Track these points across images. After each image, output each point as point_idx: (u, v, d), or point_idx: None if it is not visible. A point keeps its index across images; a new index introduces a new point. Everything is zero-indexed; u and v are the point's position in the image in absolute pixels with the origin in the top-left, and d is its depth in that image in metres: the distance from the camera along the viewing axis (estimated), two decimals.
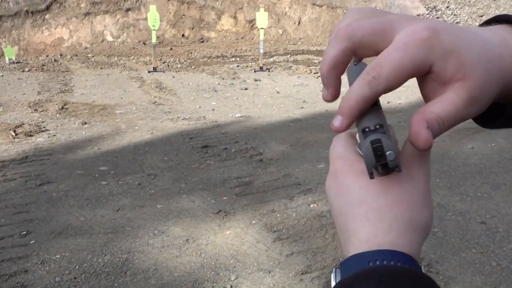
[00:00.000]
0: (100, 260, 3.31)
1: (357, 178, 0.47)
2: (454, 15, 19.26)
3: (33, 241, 3.57)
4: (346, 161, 0.48)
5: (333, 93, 0.50)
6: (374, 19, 0.43)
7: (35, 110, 7.84)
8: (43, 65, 13.25)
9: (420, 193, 0.46)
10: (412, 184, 0.46)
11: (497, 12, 18.49)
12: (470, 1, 19.57)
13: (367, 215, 0.45)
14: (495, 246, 3.45)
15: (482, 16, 18.84)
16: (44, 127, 6.77)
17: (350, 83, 0.53)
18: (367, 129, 0.45)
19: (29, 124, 6.82)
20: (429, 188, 0.48)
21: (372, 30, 0.42)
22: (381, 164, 0.44)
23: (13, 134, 6.32)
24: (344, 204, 0.46)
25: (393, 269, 0.41)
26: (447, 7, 19.71)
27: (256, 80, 10.75)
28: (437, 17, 19.39)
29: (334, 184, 0.48)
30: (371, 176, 0.44)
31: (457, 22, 18.90)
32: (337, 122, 0.45)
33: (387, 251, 0.43)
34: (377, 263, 0.42)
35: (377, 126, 0.45)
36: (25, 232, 3.70)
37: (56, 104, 8.13)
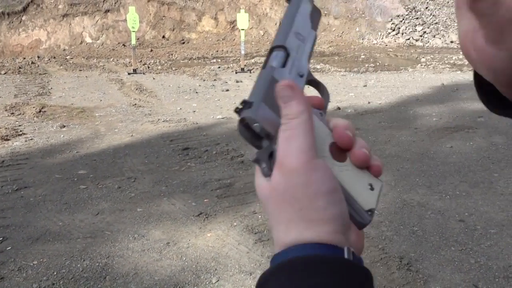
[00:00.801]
0: (79, 266, 3.25)
1: (258, 180, 0.52)
2: (433, 15, 19.53)
3: (10, 247, 3.49)
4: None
5: None
6: None
7: (12, 113, 7.69)
8: (20, 67, 13.01)
9: (303, 186, 0.46)
10: (291, 178, 0.47)
11: None
12: (448, 2, 19.86)
13: (271, 220, 0.50)
14: (473, 243, 3.49)
15: None
16: (21, 131, 6.64)
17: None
18: (237, 109, 0.49)
19: (6, 128, 6.68)
20: (318, 175, 0.47)
21: None
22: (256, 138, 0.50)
23: None
24: (260, 196, 0.52)
25: (304, 258, 0.44)
26: (426, 7, 19.97)
27: (237, 82, 10.74)
28: (416, 18, 19.66)
29: (256, 184, 0.53)
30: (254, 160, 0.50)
31: (436, 23, 19.18)
32: None
33: (298, 246, 0.46)
34: (289, 255, 0.45)
35: (243, 103, 0.49)
36: (1, 239, 3.62)
37: (34, 107, 7.99)
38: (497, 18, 0.38)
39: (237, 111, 0.49)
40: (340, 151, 0.52)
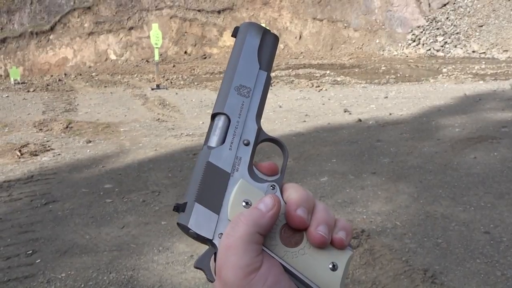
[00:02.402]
0: (105, 278, 3.33)
1: None
2: (454, 25, 19.37)
3: (39, 260, 3.60)
4: None
5: None
6: None
7: (40, 129, 7.92)
8: (47, 85, 13.40)
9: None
10: None
11: (497, 22, 18.60)
12: (469, 12, 19.68)
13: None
14: (499, 256, 3.45)
15: (482, 26, 18.93)
16: (49, 147, 6.83)
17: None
18: (174, 209, 0.49)
19: (34, 144, 6.89)
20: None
21: None
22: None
23: (19, 154, 6.38)
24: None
25: None
26: (447, 18, 19.83)
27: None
28: (437, 28, 19.52)
29: None
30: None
31: (457, 33, 19.01)
32: None
33: None
34: None
35: (177, 207, 0.49)
36: (30, 252, 3.73)
37: (61, 123, 8.22)
38: None
39: (175, 210, 0.48)
40: (294, 231, 0.48)
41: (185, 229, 0.48)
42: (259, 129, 0.52)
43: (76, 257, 3.64)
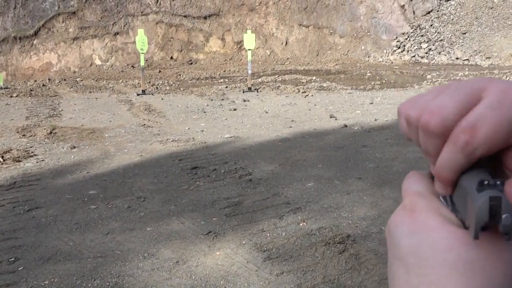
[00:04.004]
0: (89, 285, 3.29)
1: (445, 223, 0.39)
2: (438, 33, 19.65)
3: (22, 268, 3.54)
4: (431, 202, 0.41)
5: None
6: (459, 92, 0.38)
7: (23, 135, 7.82)
8: (31, 90, 13.25)
9: None
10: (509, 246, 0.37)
11: (479, 30, 18.90)
12: (453, 19, 20.00)
13: (456, 265, 0.37)
14: None
15: (465, 33, 19.25)
16: (32, 152, 6.75)
17: None
18: (485, 182, 0.38)
19: (17, 150, 6.79)
20: None
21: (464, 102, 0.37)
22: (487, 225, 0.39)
23: (1, 160, 6.29)
24: (423, 245, 0.38)
25: None
26: (431, 25, 20.12)
27: (244, 101, 10.84)
28: (422, 35, 19.78)
29: (410, 220, 0.40)
30: (476, 235, 0.37)
31: (441, 40, 19.28)
32: (440, 189, 0.41)
33: None
34: None
35: (498, 182, 0.39)
36: (13, 259, 3.67)
37: (45, 129, 8.12)
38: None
39: (486, 184, 0.38)
40: None
41: (501, 210, 0.37)
42: None
43: (59, 264, 3.59)
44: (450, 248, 0.37)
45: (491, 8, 19.54)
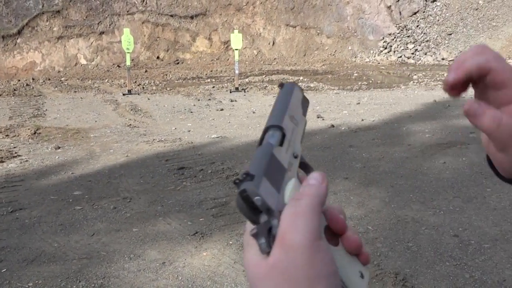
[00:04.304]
0: (74, 287, 3.24)
1: (251, 257, 0.47)
2: (424, 33, 19.83)
3: (5, 270, 3.48)
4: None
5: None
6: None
7: (7, 135, 7.70)
8: (14, 89, 13.06)
9: (306, 266, 0.43)
10: (294, 256, 0.43)
11: (465, 31, 19.12)
12: (438, 20, 20.19)
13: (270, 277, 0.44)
14: (467, 258, 3.52)
15: (450, 34, 19.45)
16: (16, 153, 6.64)
17: None
18: (236, 181, 0.47)
19: (0, 150, 6.68)
20: (321, 257, 0.44)
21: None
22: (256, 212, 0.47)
23: None
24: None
25: None
26: (417, 26, 20.29)
27: (232, 101, 10.82)
28: (408, 36, 19.93)
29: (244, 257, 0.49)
30: (253, 233, 0.45)
31: (427, 41, 19.45)
32: (450, 77, 0.58)
33: None
34: None
35: (244, 175, 0.47)
36: None
37: (29, 129, 8.01)
38: (499, 135, 0.54)
39: (237, 182, 0.47)
40: (333, 235, 0.50)
41: (250, 197, 0.46)
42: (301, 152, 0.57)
43: (44, 265, 3.54)
44: (262, 276, 0.44)
45: (476, 9, 19.78)
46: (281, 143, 0.53)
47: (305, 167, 0.58)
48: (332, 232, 0.50)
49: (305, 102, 0.63)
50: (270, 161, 0.50)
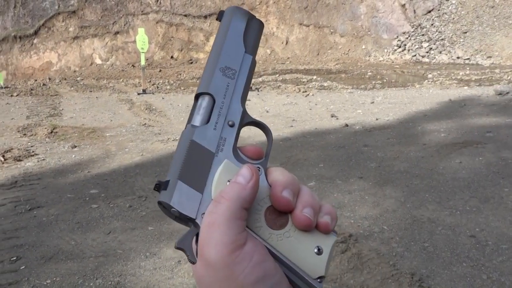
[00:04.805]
0: (91, 284, 3.28)
1: None
2: (439, 32, 19.63)
3: (23, 267, 3.53)
4: None
5: None
6: None
7: (24, 134, 7.81)
8: (31, 89, 13.24)
9: (226, 280, 0.43)
10: (212, 272, 0.43)
11: (480, 29, 18.89)
12: (454, 18, 19.97)
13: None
14: (485, 259, 3.48)
15: (466, 32, 19.23)
16: (33, 152, 6.74)
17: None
18: (155, 189, 0.48)
19: (18, 149, 6.78)
20: (241, 268, 0.43)
21: None
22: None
23: (2, 159, 6.28)
24: None
25: None
26: (432, 24, 20.09)
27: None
28: (422, 34, 19.76)
29: None
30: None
31: (442, 39, 19.26)
32: None
33: None
34: None
35: (158, 185, 0.47)
36: (15, 258, 3.66)
37: (45, 128, 8.11)
38: None
39: (156, 189, 0.47)
40: (279, 213, 0.47)
41: (167, 208, 0.46)
42: (244, 111, 0.51)
43: (61, 263, 3.58)
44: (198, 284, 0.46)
45: (492, 7, 19.52)
46: (208, 118, 0.49)
47: (256, 125, 0.53)
48: (279, 211, 0.47)
49: (251, 32, 0.54)
50: (189, 155, 0.47)
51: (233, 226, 0.43)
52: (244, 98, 0.52)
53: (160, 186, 0.46)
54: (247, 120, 0.51)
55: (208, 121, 0.49)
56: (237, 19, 0.53)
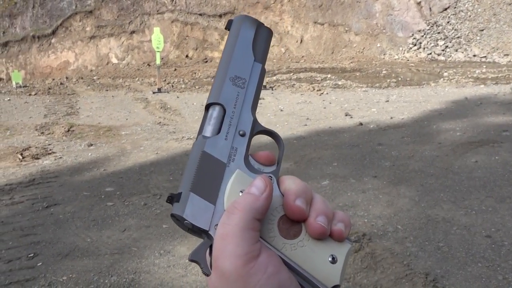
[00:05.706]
0: (106, 281, 3.33)
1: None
2: (455, 29, 19.39)
3: (40, 263, 3.60)
4: None
5: None
6: None
7: (42, 133, 7.94)
8: (49, 88, 13.43)
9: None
10: (226, 283, 0.43)
11: (497, 26, 18.61)
12: (470, 16, 19.70)
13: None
14: (501, 260, 3.44)
15: (482, 30, 18.96)
16: (50, 150, 6.85)
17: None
18: (168, 201, 0.49)
19: (36, 147, 6.90)
20: (256, 279, 0.43)
21: None
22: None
23: (20, 157, 6.39)
24: None
25: None
26: (448, 22, 19.85)
27: (259, 99, 10.83)
28: (438, 32, 19.54)
29: None
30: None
31: (458, 37, 19.03)
32: None
33: None
34: None
35: (170, 197, 0.47)
36: (32, 255, 3.73)
37: (63, 126, 8.23)
38: None
39: (169, 201, 0.47)
40: (293, 222, 0.47)
41: (180, 221, 0.46)
42: (255, 121, 0.52)
43: (77, 260, 3.64)
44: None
45: (510, 4, 19.21)
46: (219, 128, 0.49)
47: (268, 134, 0.53)
48: (292, 220, 0.47)
49: (260, 40, 0.54)
50: (201, 166, 0.47)
51: (246, 237, 0.43)
52: (254, 107, 0.52)
53: (173, 199, 0.46)
54: (258, 129, 0.52)
55: (219, 131, 0.50)
56: (246, 27, 0.53)
